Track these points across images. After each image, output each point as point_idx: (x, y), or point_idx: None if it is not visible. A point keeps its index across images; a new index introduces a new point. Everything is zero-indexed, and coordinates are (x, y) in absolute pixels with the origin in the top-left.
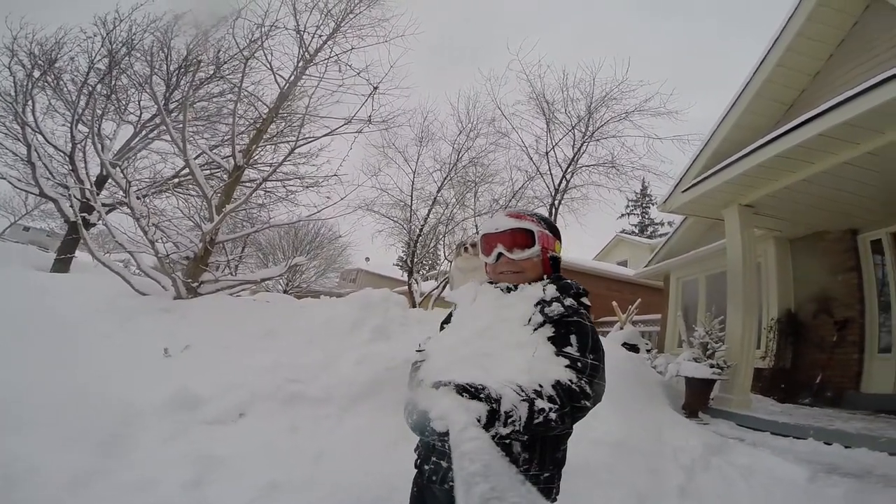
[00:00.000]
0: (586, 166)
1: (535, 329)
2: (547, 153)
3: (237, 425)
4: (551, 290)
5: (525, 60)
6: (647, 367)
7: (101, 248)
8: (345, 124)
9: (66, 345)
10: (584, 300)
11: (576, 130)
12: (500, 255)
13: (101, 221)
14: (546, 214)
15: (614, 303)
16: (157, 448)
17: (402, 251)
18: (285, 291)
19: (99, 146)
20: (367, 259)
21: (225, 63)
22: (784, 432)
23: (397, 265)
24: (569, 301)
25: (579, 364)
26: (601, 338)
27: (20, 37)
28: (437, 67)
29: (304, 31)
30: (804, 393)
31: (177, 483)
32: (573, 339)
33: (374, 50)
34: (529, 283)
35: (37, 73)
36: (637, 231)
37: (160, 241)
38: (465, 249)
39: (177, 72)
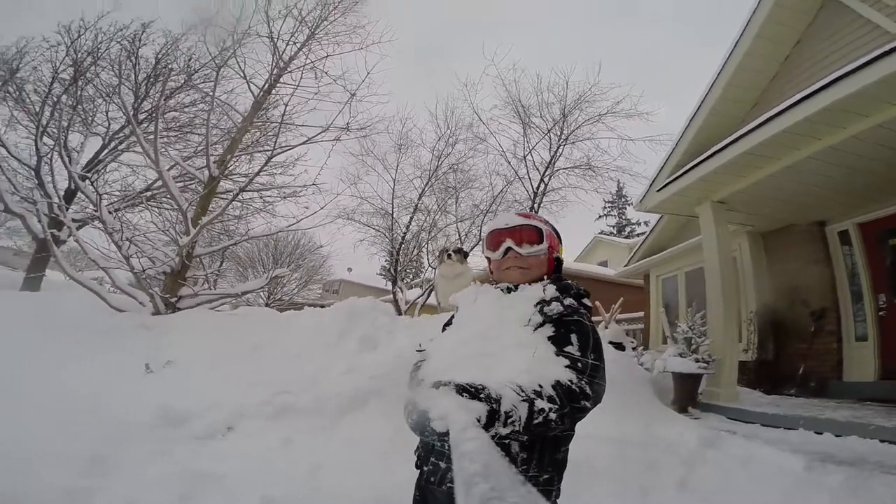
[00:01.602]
0: (563, 169)
1: (536, 329)
2: (524, 157)
3: (226, 440)
4: (551, 291)
5: (500, 65)
6: (635, 365)
7: (74, 265)
8: (322, 132)
9: (44, 366)
10: (585, 301)
11: (551, 134)
12: (508, 249)
13: (71, 237)
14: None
15: (597, 302)
16: (142, 466)
17: (385, 260)
18: (267, 304)
19: (66, 159)
20: (350, 269)
21: (196, 72)
22: (774, 423)
23: (380, 274)
24: (569, 301)
25: (579, 364)
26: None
27: None
28: (415, 73)
29: (277, 39)
30: (789, 384)
31: (165, 502)
32: (573, 338)
33: (350, 57)
34: (530, 284)
35: None
36: (615, 232)
37: (135, 256)
38: (448, 256)
39: (146, 81)
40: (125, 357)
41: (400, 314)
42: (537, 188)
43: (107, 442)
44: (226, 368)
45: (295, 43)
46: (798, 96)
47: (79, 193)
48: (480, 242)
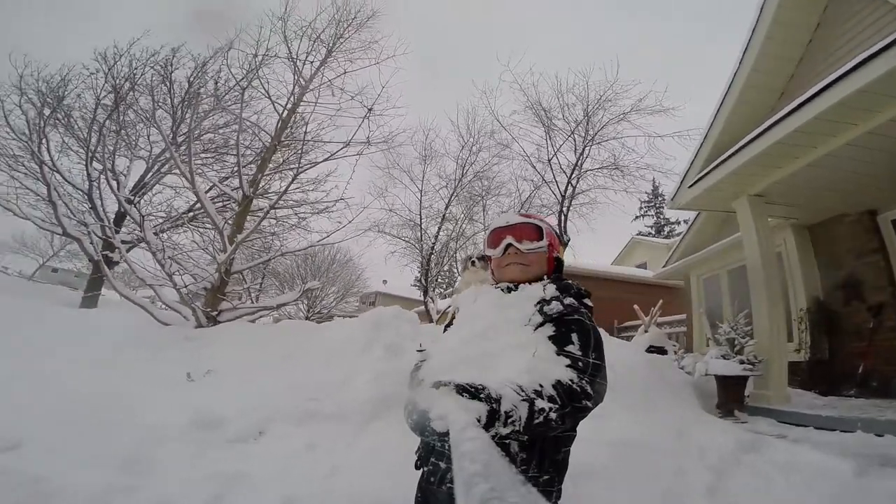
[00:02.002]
0: (590, 170)
1: (536, 329)
2: (549, 160)
3: (257, 443)
4: (551, 290)
5: (516, 70)
6: (672, 369)
7: (129, 284)
8: (343, 147)
9: (95, 375)
10: (586, 301)
11: (575, 135)
12: (508, 245)
13: (121, 258)
14: (555, 222)
15: (636, 306)
16: (178, 466)
17: (418, 270)
18: (307, 318)
19: (114, 183)
20: (385, 282)
21: (226, 94)
22: (829, 426)
23: (414, 285)
24: (569, 300)
25: (580, 364)
26: (609, 337)
27: (26, 74)
28: (434, 84)
29: (297, 59)
30: (847, 384)
31: (198, 500)
32: (574, 337)
33: (367, 73)
34: (530, 283)
35: (47, 111)
36: (653, 232)
37: (177, 273)
38: (472, 263)
39: (181, 105)
40: (169, 367)
41: (432, 323)
42: (565, 191)
43: (147, 444)
44: (259, 376)
45: (311, 62)
46: (826, 81)
47: (127, 216)
48: (484, 247)
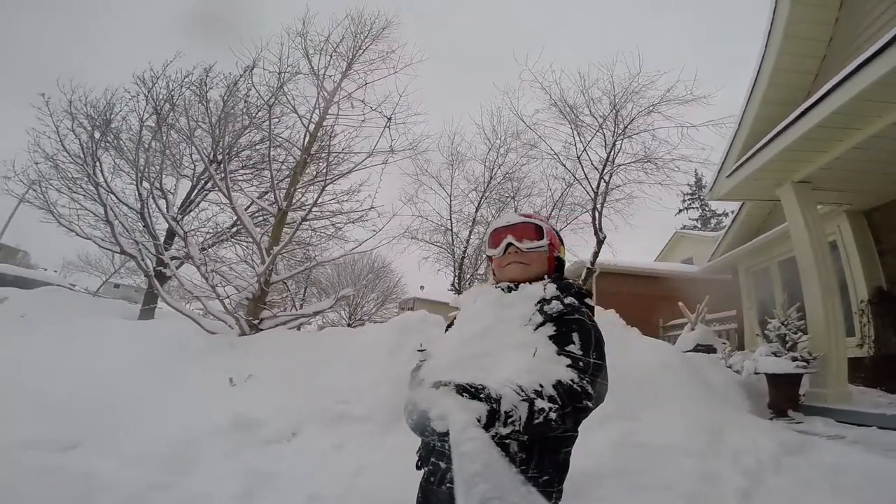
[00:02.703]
0: (622, 165)
1: (536, 328)
2: (579, 157)
3: (290, 444)
4: (551, 289)
5: (535, 69)
6: (716, 367)
7: (184, 297)
8: (366, 158)
9: (146, 380)
10: (587, 300)
11: (604, 130)
12: (508, 245)
13: (172, 274)
14: (589, 220)
15: (681, 303)
16: (214, 465)
17: (453, 275)
18: (349, 325)
19: (162, 202)
20: (422, 287)
21: (257, 113)
22: (894, 425)
23: (451, 290)
24: (569, 299)
25: (581, 363)
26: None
27: (74, 100)
28: (456, 86)
29: (319, 73)
30: None
31: (228, 496)
32: (575, 337)
33: (388, 82)
34: (531, 283)
35: (97, 134)
36: (699, 225)
37: (219, 285)
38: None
39: (218, 123)
40: (214, 372)
41: None
42: (597, 188)
43: (188, 444)
44: (295, 380)
45: (330, 76)
46: (858, 61)
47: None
48: (485, 249)
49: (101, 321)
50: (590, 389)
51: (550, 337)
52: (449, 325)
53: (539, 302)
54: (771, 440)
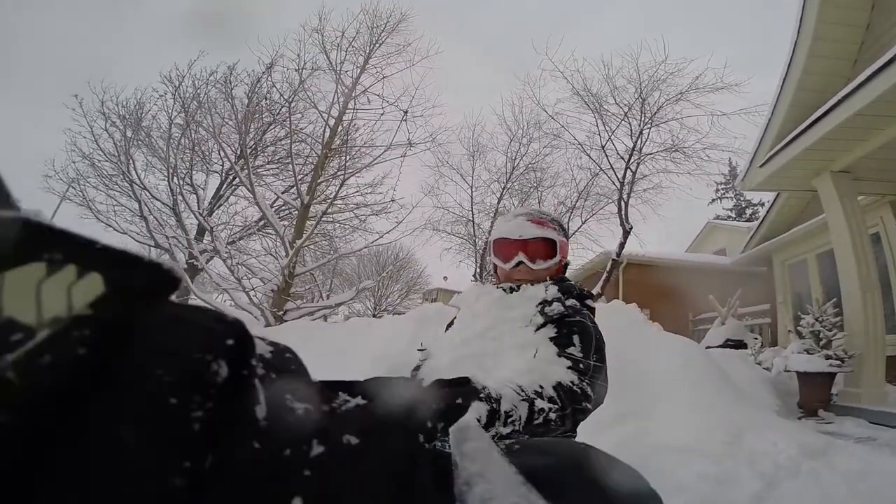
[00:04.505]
0: (648, 155)
1: (537, 329)
2: (604, 147)
3: None
4: (553, 291)
5: (556, 58)
6: (744, 364)
7: (215, 289)
8: (384, 151)
9: None
10: (588, 302)
11: (630, 118)
12: (519, 262)
13: (202, 268)
14: (615, 210)
15: (711, 297)
16: None
17: (474, 266)
18: (374, 315)
19: (193, 198)
20: (445, 278)
21: (280, 110)
22: None
23: (473, 280)
24: (570, 301)
25: (581, 365)
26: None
27: (106, 100)
28: (477, 79)
29: (337, 69)
30: None
31: None
32: (575, 339)
33: (406, 76)
34: (532, 284)
35: (129, 133)
36: (733, 215)
37: (245, 277)
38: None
39: (244, 121)
40: None
41: None
42: (623, 177)
43: None
44: (318, 372)
45: (346, 72)
46: None
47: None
48: (489, 250)
49: None
50: (589, 391)
51: (551, 339)
52: (449, 325)
53: (540, 303)
54: (792, 443)
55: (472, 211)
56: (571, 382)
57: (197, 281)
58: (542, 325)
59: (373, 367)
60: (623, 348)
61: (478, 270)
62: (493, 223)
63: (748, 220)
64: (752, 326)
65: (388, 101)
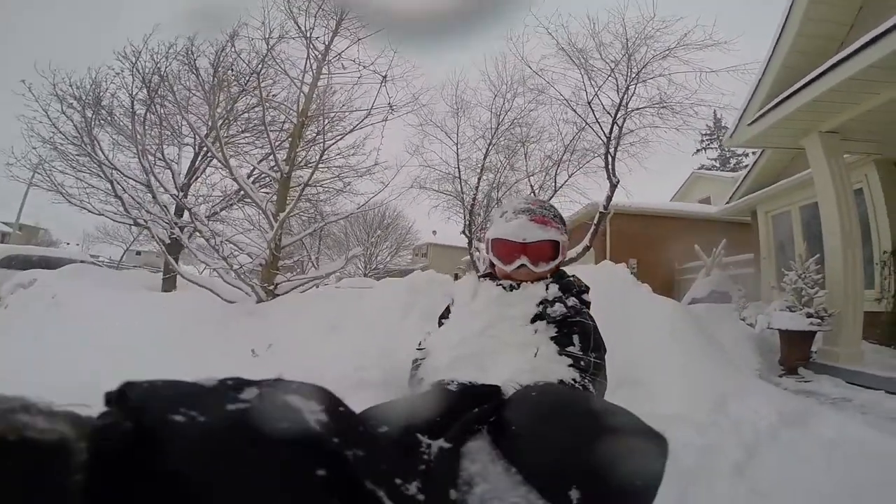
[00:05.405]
0: (636, 110)
1: (537, 328)
2: (590, 102)
3: None
4: (553, 290)
5: (539, 14)
6: (729, 322)
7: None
8: (365, 118)
9: (172, 356)
10: (585, 297)
11: (616, 74)
12: (522, 265)
13: (185, 245)
14: (602, 164)
15: (696, 246)
16: None
17: (463, 221)
18: (364, 275)
19: (167, 172)
20: (434, 233)
21: (248, 78)
22: None
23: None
24: (571, 301)
25: (582, 363)
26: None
27: (58, 82)
28: (457, 33)
29: (308, 34)
30: None
31: None
32: (575, 339)
33: (384, 36)
34: (532, 282)
35: (89, 113)
36: (718, 165)
37: (231, 255)
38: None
39: (212, 90)
40: (234, 342)
41: (478, 272)
42: (610, 132)
43: None
44: (313, 347)
45: (318, 38)
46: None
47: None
48: (487, 247)
49: (126, 296)
50: (591, 388)
51: (552, 338)
52: (442, 315)
53: (541, 302)
54: (771, 410)
55: (458, 168)
56: (573, 380)
57: (184, 254)
58: (540, 320)
59: (364, 341)
60: (612, 315)
61: (467, 227)
62: (479, 178)
63: (732, 171)
64: (737, 276)
65: (363, 66)
